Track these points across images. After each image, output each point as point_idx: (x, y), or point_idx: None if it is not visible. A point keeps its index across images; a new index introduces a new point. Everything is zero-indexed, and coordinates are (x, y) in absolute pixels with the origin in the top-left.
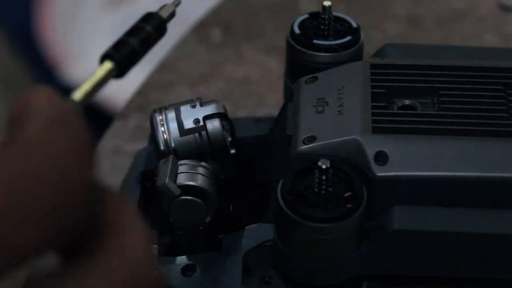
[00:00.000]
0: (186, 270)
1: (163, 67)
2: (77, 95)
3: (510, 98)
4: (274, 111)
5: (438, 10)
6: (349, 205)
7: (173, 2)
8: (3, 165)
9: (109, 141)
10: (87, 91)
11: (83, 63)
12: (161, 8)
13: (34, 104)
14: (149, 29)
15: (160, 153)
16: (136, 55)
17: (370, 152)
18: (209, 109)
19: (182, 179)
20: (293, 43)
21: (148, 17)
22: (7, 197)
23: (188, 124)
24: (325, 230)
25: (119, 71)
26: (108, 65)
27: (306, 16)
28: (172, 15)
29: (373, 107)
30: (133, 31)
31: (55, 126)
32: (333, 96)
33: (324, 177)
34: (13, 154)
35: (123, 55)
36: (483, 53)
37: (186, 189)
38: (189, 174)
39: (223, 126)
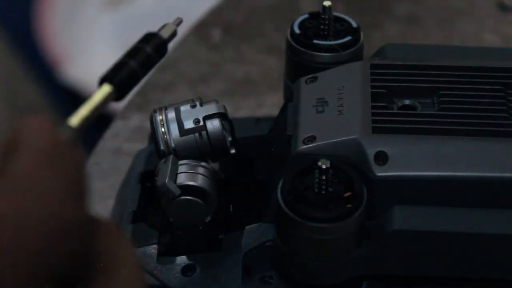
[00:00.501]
0: (186, 270)
1: (163, 67)
2: (74, 120)
3: (510, 98)
4: (274, 111)
5: (438, 10)
6: (349, 205)
7: (174, 22)
8: None
9: (109, 141)
10: (84, 116)
11: (83, 63)
12: (162, 27)
13: (26, 135)
14: (149, 50)
15: (160, 153)
16: (136, 77)
17: (370, 152)
18: (209, 109)
19: (182, 179)
20: (293, 43)
21: (148, 38)
22: None
23: (188, 124)
24: (325, 230)
25: (118, 94)
26: (106, 88)
27: (306, 16)
28: (173, 35)
29: (373, 107)
30: (132, 52)
31: (46, 160)
32: (333, 96)
33: (324, 177)
34: (0, 189)
35: (122, 78)
36: (483, 53)
37: (186, 189)
38: (189, 174)
39: (223, 126)
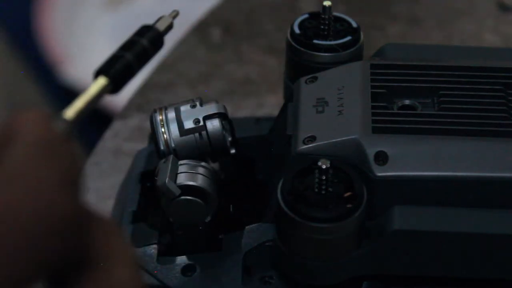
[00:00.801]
0: (186, 270)
1: (163, 67)
2: (69, 113)
3: (510, 98)
4: (274, 111)
5: (438, 10)
6: (349, 205)
7: (170, 14)
8: None
9: (109, 141)
10: (80, 108)
11: (83, 63)
12: (158, 20)
13: (20, 127)
14: (145, 43)
15: (160, 153)
16: (132, 70)
17: (370, 152)
18: (209, 109)
19: (182, 179)
20: (293, 43)
21: (144, 30)
22: None
23: (188, 124)
24: (325, 230)
25: (114, 87)
26: (102, 81)
27: (306, 16)
28: (169, 27)
29: (373, 107)
30: (128, 45)
31: (40, 153)
32: (333, 96)
33: (324, 177)
34: None
35: (117, 70)
36: (483, 53)
37: (186, 189)
38: (189, 174)
39: (223, 126)
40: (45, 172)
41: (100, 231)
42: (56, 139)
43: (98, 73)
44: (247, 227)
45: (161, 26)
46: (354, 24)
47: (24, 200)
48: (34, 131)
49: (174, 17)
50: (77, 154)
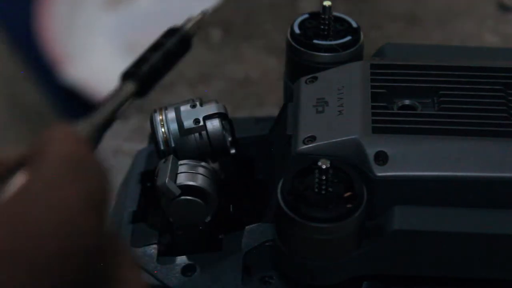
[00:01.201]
0: (186, 270)
1: None
2: (97, 118)
3: (510, 98)
4: (274, 111)
5: (438, 10)
6: (349, 205)
7: (198, 15)
8: (6, 209)
9: (109, 141)
10: (107, 113)
11: (83, 63)
12: (185, 22)
13: (48, 145)
14: (172, 45)
15: (160, 153)
16: (159, 73)
17: (370, 152)
18: (209, 109)
19: (182, 179)
20: (293, 43)
21: (171, 32)
22: (3, 242)
23: (188, 124)
24: (325, 230)
25: (141, 91)
26: (129, 85)
27: (306, 16)
28: (197, 28)
29: (373, 107)
30: (155, 47)
31: (67, 173)
32: (333, 96)
33: (324, 177)
34: (16, 201)
35: (144, 75)
36: (483, 53)
37: (186, 189)
38: (189, 174)
39: (223, 126)
40: (70, 192)
41: (117, 257)
42: (85, 159)
43: (125, 77)
44: (247, 227)
45: (188, 28)
46: (354, 24)
47: (45, 218)
48: (62, 150)
49: (203, 17)
50: (105, 173)
